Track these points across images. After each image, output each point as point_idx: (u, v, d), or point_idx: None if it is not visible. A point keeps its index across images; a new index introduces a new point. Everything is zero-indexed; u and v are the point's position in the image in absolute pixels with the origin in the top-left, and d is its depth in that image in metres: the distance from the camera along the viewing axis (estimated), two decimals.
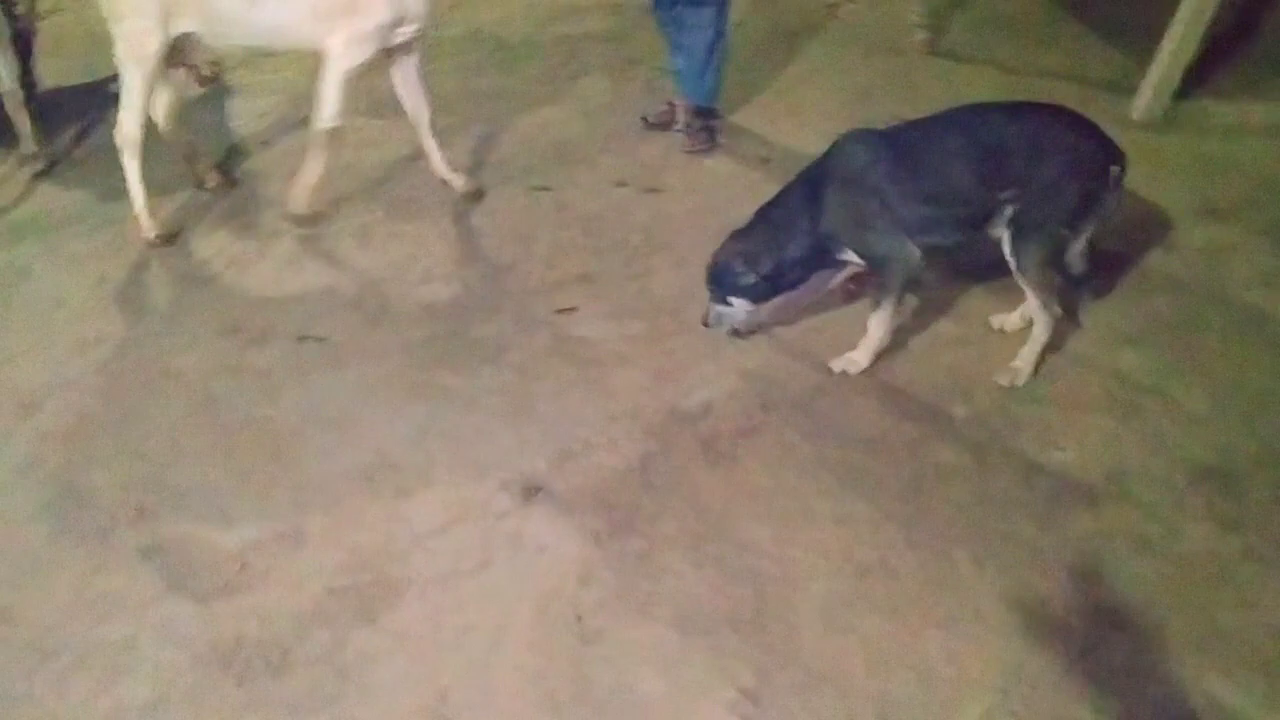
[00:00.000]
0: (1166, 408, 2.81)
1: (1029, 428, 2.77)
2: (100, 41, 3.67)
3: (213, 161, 4.18)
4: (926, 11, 4.92)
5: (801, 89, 4.63)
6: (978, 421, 2.80)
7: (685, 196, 3.85)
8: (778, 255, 2.89)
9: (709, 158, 4.09)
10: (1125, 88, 4.22)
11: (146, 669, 2.31)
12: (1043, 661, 2.19)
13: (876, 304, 2.91)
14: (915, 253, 2.84)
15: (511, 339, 3.21)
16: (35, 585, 2.53)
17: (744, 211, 3.00)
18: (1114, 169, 2.78)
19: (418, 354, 3.17)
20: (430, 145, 3.89)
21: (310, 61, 3.58)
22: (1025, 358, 2.89)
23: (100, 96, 4.71)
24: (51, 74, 4.96)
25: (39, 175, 4.33)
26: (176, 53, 3.60)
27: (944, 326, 3.15)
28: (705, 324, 3.05)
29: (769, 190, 3.00)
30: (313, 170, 3.66)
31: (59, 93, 4.93)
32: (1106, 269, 3.19)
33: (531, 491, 2.68)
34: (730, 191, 3.79)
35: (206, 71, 4.68)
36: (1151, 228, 3.48)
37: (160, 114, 3.84)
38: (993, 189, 2.75)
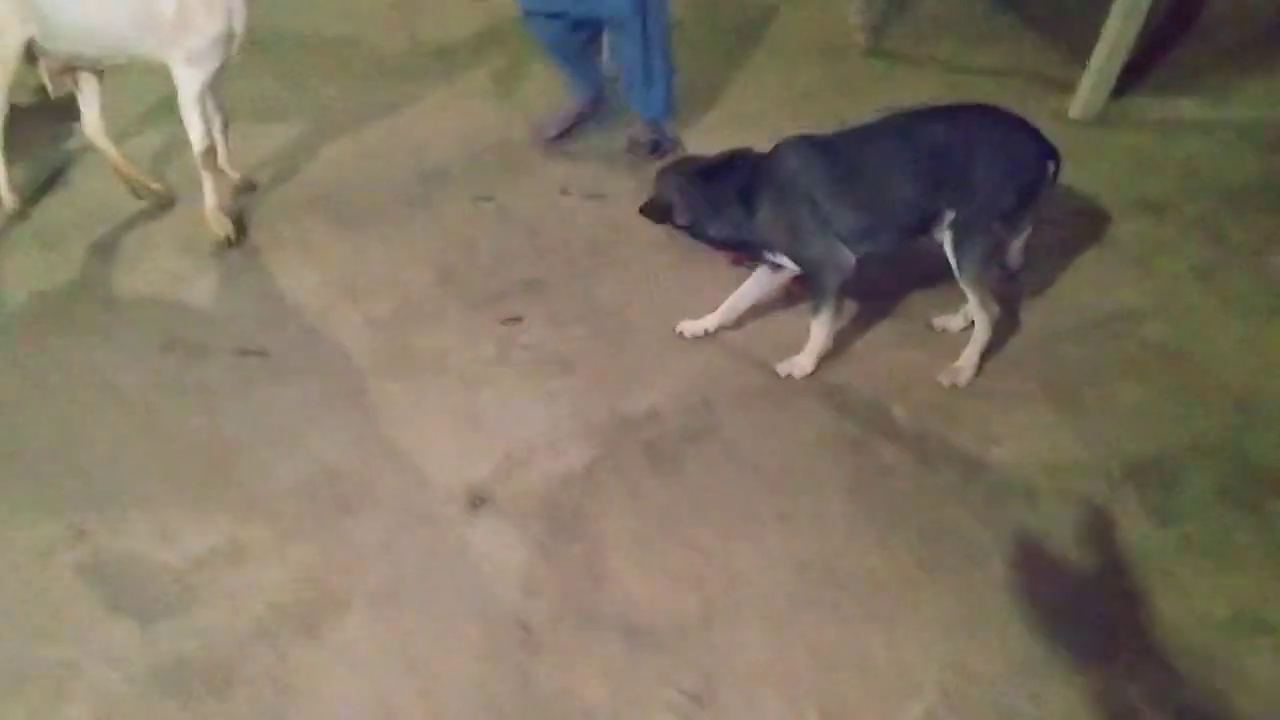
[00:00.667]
0: (1103, 402, 2.86)
1: (968, 424, 2.81)
2: None
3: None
4: (865, 11, 4.95)
5: (741, 91, 4.64)
6: (918, 420, 2.84)
7: (628, 202, 3.83)
8: (700, 219, 2.92)
9: (651, 163, 4.09)
10: (1064, 84, 4.29)
11: (87, 692, 2.27)
12: (984, 657, 2.22)
13: (815, 310, 2.93)
14: (848, 258, 2.86)
15: (455, 348, 3.20)
16: None
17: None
18: (1050, 165, 2.82)
19: (360, 365, 3.15)
20: (220, 140, 3.99)
21: None
22: (967, 357, 2.93)
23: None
24: None
25: None
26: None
27: (886, 328, 3.18)
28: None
29: None
30: (210, 193, 3.77)
31: None
32: (1041, 263, 3.24)
33: (477, 501, 2.67)
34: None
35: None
36: (1087, 223, 3.54)
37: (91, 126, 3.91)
38: (932, 195, 2.78)
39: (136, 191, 4.07)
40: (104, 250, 3.83)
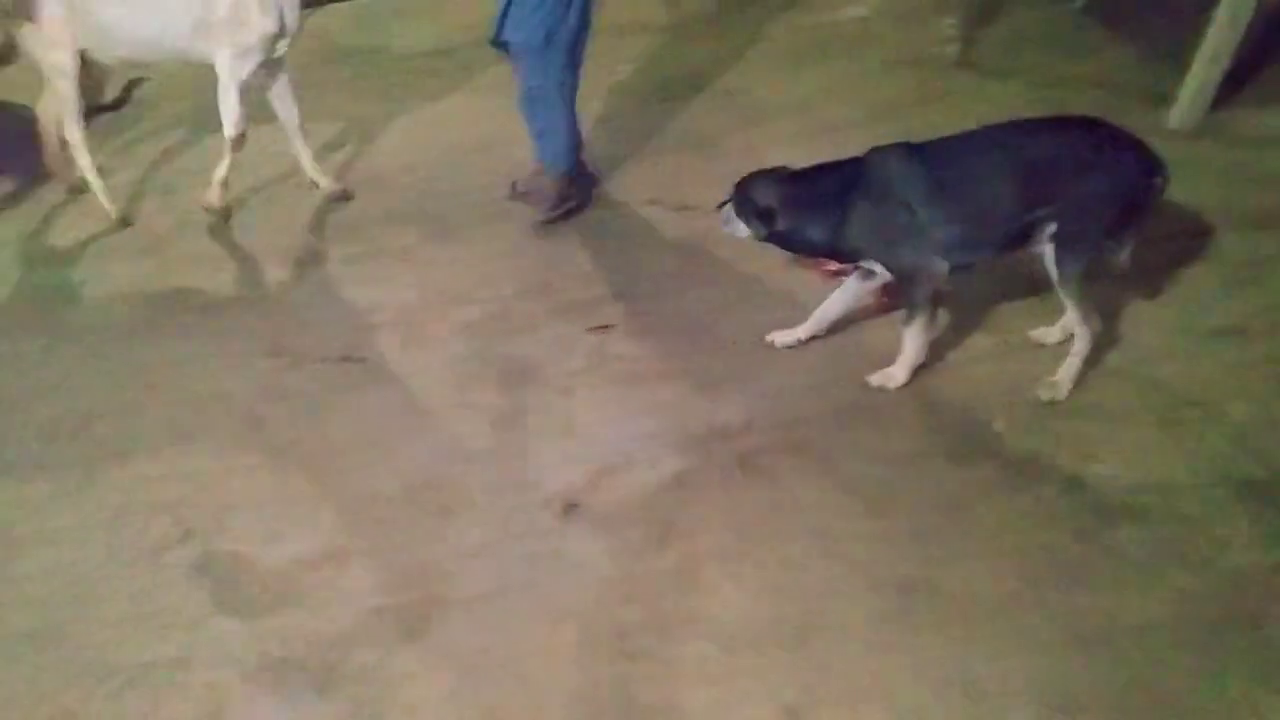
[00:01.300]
0: (1208, 419, 2.79)
1: (1069, 441, 2.76)
2: None
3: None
4: (958, 23, 4.90)
5: (826, 101, 4.63)
6: (1017, 435, 2.79)
7: (716, 213, 3.86)
8: (795, 225, 2.91)
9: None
10: (1159, 96, 4.20)
11: (198, 688, 2.35)
12: (1089, 680, 2.18)
13: (908, 319, 2.91)
14: (942, 266, 2.84)
15: (548, 357, 3.24)
16: (88, 604, 2.58)
17: None
18: (1157, 180, 2.77)
19: (455, 373, 3.21)
20: (300, 148, 4.17)
21: None
22: (1066, 371, 2.88)
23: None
24: None
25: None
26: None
27: (981, 340, 3.14)
28: (718, 208, 3.07)
29: None
30: (223, 169, 4.03)
31: None
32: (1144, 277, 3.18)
33: (570, 509, 2.70)
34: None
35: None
36: (1191, 237, 3.46)
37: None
38: (1033, 207, 2.74)
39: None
40: (204, 257, 3.96)
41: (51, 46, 3.82)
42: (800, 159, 3.04)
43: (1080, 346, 2.87)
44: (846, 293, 3.10)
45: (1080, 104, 3.98)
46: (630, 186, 4.12)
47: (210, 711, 2.29)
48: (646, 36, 5.53)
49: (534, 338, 3.33)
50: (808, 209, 2.90)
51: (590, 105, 4.81)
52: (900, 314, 2.96)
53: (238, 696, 2.32)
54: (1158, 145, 2.83)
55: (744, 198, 2.97)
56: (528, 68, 3.67)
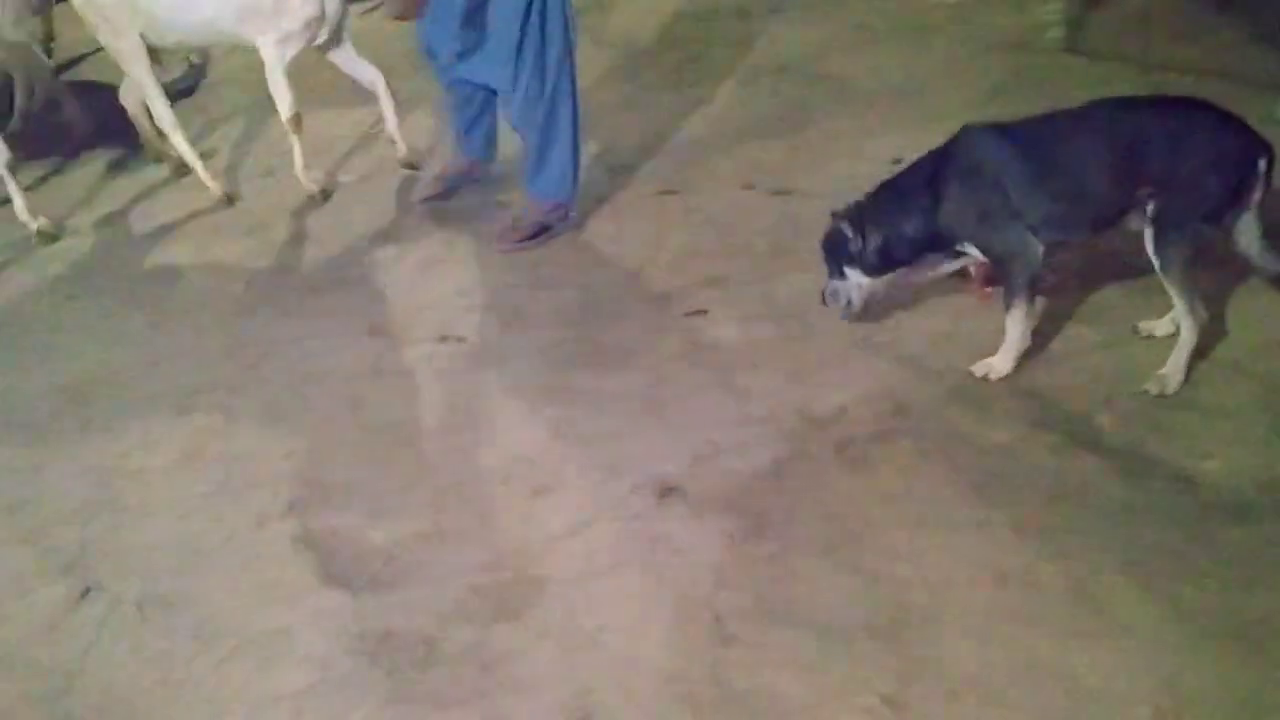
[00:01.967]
0: None
1: (1177, 436, 2.68)
2: None
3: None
4: (1063, 5, 4.79)
5: (931, 88, 4.56)
6: (1123, 429, 2.72)
7: (813, 199, 3.82)
8: (890, 231, 2.90)
9: (836, 160, 4.05)
10: (1271, 85, 4.05)
11: (300, 657, 2.40)
12: (1199, 680, 2.11)
13: (1008, 305, 2.86)
14: (1039, 248, 2.80)
15: (642, 342, 3.25)
16: (197, 573, 2.66)
17: None
18: (1261, 162, 2.68)
19: (551, 356, 3.24)
20: (387, 108, 4.27)
21: None
22: (1174, 364, 2.80)
23: None
24: None
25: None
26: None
27: (1084, 330, 3.07)
28: (823, 301, 3.06)
29: None
30: (298, 154, 4.17)
31: None
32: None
33: (665, 493, 2.70)
34: (860, 195, 3.75)
35: None
36: None
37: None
38: (1129, 186, 2.69)
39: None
40: (304, 238, 4.06)
41: (115, 35, 4.01)
42: (898, 146, 3.01)
43: (1186, 338, 2.78)
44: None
45: (1188, 90, 3.86)
46: (725, 170, 4.11)
47: (311, 683, 2.34)
48: (741, 20, 5.50)
49: (628, 323, 3.34)
50: (895, 207, 2.90)
51: (687, 90, 4.83)
52: (1001, 302, 2.91)
53: (338, 669, 2.36)
54: (1270, 135, 2.73)
55: (829, 245, 2.99)
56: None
